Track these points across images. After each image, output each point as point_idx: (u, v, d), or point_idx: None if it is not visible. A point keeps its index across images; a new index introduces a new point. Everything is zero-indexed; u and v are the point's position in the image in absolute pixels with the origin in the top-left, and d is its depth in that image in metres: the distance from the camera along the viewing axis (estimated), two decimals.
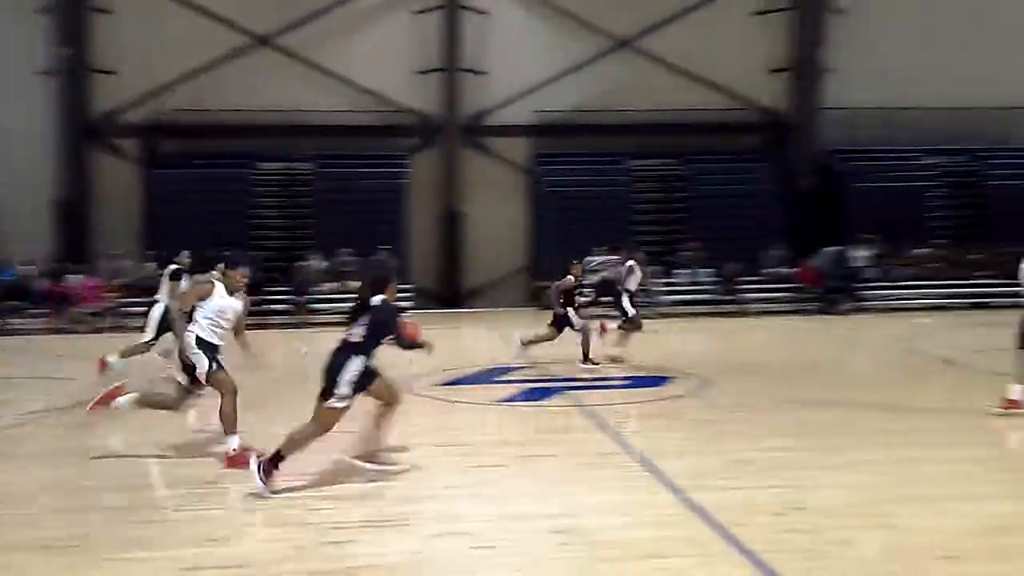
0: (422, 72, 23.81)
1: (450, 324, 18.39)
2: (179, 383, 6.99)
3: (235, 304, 6.97)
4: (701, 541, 5.09)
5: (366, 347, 6.19)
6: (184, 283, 10.34)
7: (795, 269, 21.60)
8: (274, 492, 5.91)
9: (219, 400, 6.83)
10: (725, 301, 21.47)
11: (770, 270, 22.12)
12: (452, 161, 24.14)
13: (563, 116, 23.84)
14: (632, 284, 12.96)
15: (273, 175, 23.40)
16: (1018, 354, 8.49)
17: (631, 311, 12.72)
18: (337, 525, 5.43)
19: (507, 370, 11.77)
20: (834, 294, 21.14)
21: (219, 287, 6.91)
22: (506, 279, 23.51)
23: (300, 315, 19.89)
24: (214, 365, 6.76)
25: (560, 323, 11.88)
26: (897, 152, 23.79)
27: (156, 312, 10.76)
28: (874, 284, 21.71)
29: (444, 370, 11.44)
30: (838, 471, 6.61)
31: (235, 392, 6.83)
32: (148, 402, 7.28)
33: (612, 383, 11.04)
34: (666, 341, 15.22)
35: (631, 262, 13.04)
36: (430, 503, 5.96)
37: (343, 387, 6.03)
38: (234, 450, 6.72)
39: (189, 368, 6.81)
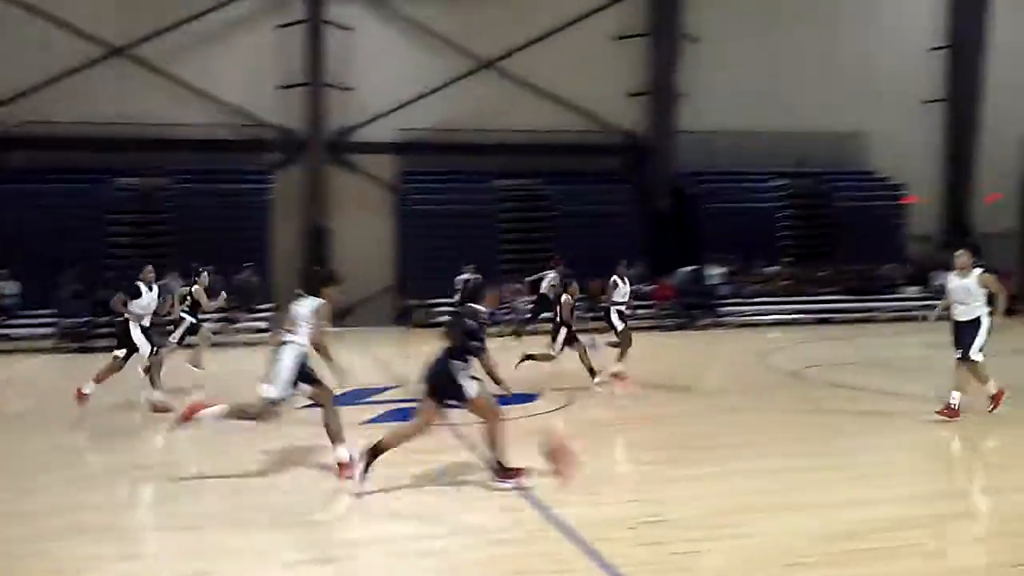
0: (285, 87, 23.46)
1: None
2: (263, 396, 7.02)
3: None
4: (565, 558, 5.17)
5: (462, 352, 6.58)
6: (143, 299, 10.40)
7: (654, 287, 22.30)
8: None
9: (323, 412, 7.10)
10: (588, 318, 21.89)
11: (634, 287, 22.70)
12: (317, 177, 23.83)
13: (429, 134, 23.95)
14: (618, 297, 12.91)
15: (130, 191, 22.49)
16: (958, 364, 9.11)
17: (619, 325, 12.71)
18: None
19: (374, 391, 11.66)
20: (691, 310, 21.99)
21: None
22: (373, 298, 23.32)
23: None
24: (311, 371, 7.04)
25: (569, 340, 12.12)
26: (748, 175, 24.99)
27: (135, 329, 10.45)
28: (728, 301, 22.67)
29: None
30: (695, 483, 6.86)
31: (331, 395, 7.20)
32: (237, 413, 7.22)
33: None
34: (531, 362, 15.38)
35: (614, 276, 13.01)
36: (293, 530, 5.85)
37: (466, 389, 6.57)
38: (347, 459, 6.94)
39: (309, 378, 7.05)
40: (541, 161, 24.52)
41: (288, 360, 6.94)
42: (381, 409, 10.38)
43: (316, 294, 7.13)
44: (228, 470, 7.33)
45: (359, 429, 9.28)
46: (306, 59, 23.49)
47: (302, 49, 23.49)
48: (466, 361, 6.61)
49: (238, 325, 19.66)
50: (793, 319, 22.40)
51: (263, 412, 7.10)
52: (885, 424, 9.41)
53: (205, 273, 13.04)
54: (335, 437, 7.12)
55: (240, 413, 7.21)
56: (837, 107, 25.00)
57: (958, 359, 9.10)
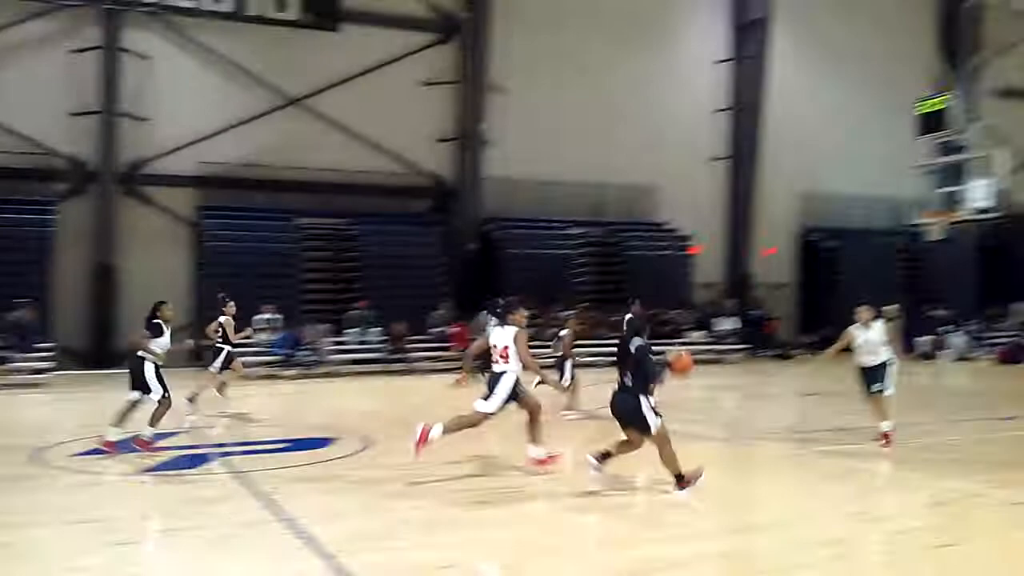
0: (76, 114, 22.18)
1: (98, 386, 16.99)
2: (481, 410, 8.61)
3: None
4: None
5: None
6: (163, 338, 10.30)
7: (453, 330, 22.57)
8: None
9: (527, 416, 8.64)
10: (393, 360, 21.92)
11: (436, 330, 22.95)
12: (107, 210, 22.57)
13: (231, 169, 23.30)
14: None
15: None
16: (871, 398, 10.52)
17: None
18: None
19: (161, 436, 11.13)
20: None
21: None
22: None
23: None
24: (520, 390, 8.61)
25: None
26: (549, 222, 25.89)
27: (150, 369, 10.13)
28: (529, 344, 23.22)
29: (86, 438, 10.58)
30: (490, 527, 6.93)
31: (540, 409, 8.77)
32: (455, 427, 8.59)
33: (272, 447, 10.82)
34: (332, 401, 15.21)
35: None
36: None
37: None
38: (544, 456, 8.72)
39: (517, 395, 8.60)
40: (348, 201, 24.40)
41: (507, 384, 8.54)
42: (165, 456, 9.89)
43: (509, 323, 8.72)
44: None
45: (138, 478, 8.87)
46: (100, 86, 22.35)
47: (96, 76, 22.35)
48: None
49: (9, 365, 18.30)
50: (588, 362, 23.20)
51: (477, 421, 8.66)
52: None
53: None
54: (535, 439, 8.83)
55: (457, 426, 8.61)
56: (631, 161, 26.46)
57: (873, 394, 10.48)
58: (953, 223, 22.17)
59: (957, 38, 26.75)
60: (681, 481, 7.77)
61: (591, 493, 8.04)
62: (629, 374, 7.83)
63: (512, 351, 8.52)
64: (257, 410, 13.74)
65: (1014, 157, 24.30)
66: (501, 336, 8.70)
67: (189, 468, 9.37)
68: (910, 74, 28.50)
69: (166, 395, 10.11)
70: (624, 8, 26.99)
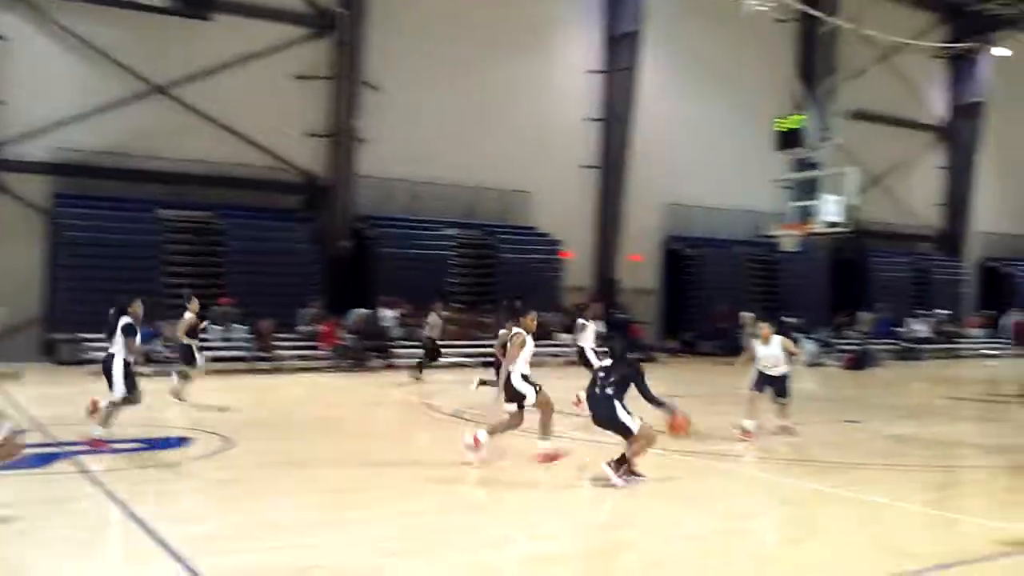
0: None
1: None
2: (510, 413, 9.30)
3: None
4: None
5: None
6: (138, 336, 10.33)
7: (323, 328, 22.33)
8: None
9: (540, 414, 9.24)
10: (260, 358, 21.48)
11: (305, 328, 22.63)
12: None
13: (91, 157, 22.30)
14: (586, 341, 14.45)
15: None
16: (777, 405, 11.60)
17: (596, 363, 13.32)
18: None
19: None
20: (366, 352, 22.27)
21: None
22: (16, 330, 21.14)
23: None
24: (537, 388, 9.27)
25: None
26: (422, 222, 25.90)
27: (118, 367, 10.08)
28: (402, 343, 23.23)
29: None
30: (351, 528, 6.92)
31: (552, 407, 9.37)
32: (499, 429, 9.32)
33: (128, 447, 10.47)
34: (192, 399, 14.78)
35: (581, 319, 14.44)
36: None
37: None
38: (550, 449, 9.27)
39: (518, 397, 9.21)
40: (215, 194, 23.75)
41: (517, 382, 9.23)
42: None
43: (519, 325, 9.42)
44: None
45: None
46: None
47: None
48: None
49: None
50: (461, 362, 23.38)
51: (518, 419, 9.35)
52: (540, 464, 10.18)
53: None
54: (545, 430, 9.39)
55: (496, 429, 9.31)
56: (505, 165, 26.80)
57: (780, 403, 11.57)
58: (806, 235, 23.38)
59: (813, 61, 28.24)
60: (621, 466, 8.28)
61: (458, 492, 8.16)
62: (608, 382, 8.35)
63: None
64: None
65: (862, 176, 25.87)
66: (508, 336, 9.60)
67: (38, 466, 8.97)
68: (770, 92, 29.92)
69: (130, 396, 10.16)
70: (500, 15, 27.28)
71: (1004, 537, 6.89)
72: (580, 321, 14.87)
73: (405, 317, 23.59)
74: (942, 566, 6.05)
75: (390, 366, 22.28)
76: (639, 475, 8.51)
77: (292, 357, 21.85)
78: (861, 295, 32.66)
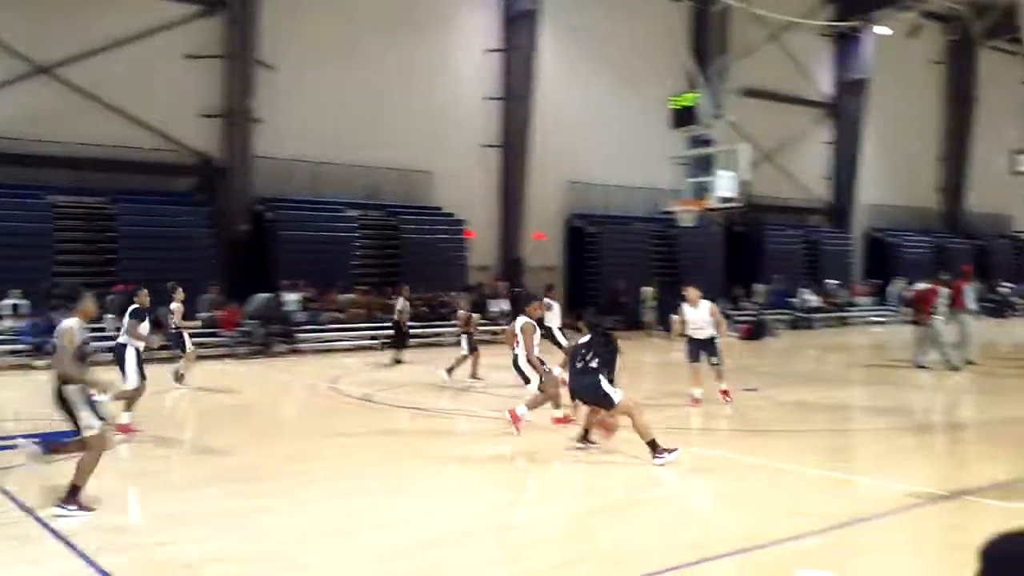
0: None
1: None
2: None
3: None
4: None
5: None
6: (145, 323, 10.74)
7: (222, 314, 21.87)
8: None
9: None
10: (160, 346, 20.85)
11: (206, 314, 22.09)
12: None
13: None
14: (554, 321, 15.38)
15: None
16: (713, 368, 12.31)
17: (564, 342, 14.65)
18: None
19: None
20: (269, 337, 21.90)
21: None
22: None
23: None
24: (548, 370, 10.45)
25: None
26: (324, 204, 25.54)
27: (131, 356, 10.56)
28: (305, 327, 22.94)
29: None
30: (256, 516, 6.86)
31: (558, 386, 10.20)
32: (538, 403, 10.10)
33: (21, 440, 10.08)
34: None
35: (547, 299, 14.94)
36: None
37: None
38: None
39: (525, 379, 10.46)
40: (107, 178, 22.92)
41: (523, 364, 10.40)
42: None
43: (524, 314, 10.64)
44: None
45: None
46: None
47: None
48: None
49: None
50: (366, 344, 23.26)
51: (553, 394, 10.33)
52: (452, 442, 10.25)
53: None
54: (554, 403, 10.43)
55: (535, 403, 10.02)
56: (407, 145, 26.61)
57: (714, 365, 12.29)
58: (702, 211, 23.98)
59: (706, 40, 28.84)
60: (656, 449, 8.35)
61: (369, 476, 8.17)
62: (591, 356, 8.58)
63: (520, 338, 10.42)
64: (7, 402, 12.76)
65: (754, 152, 26.64)
66: (516, 324, 10.63)
67: None
68: (666, 70, 30.48)
69: (142, 384, 10.58)
70: None
71: (896, 495, 7.30)
72: (547, 301, 15.24)
73: (308, 301, 23.30)
74: (841, 525, 6.37)
75: (294, 351, 22.00)
76: (592, 442, 9.00)
77: (191, 344, 21.29)
78: (756, 267, 33.75)
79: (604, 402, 8.60)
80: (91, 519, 6.56)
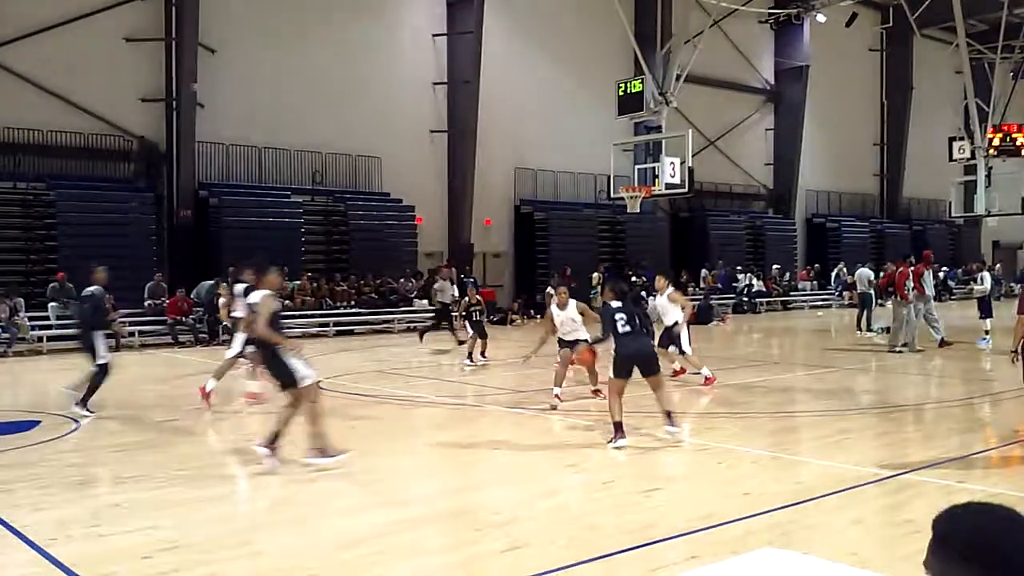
0: None
1: None
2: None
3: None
4: None
5: None
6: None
7: (167, 301, 21.54)
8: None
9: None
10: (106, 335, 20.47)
11: (149, 302, 21.75)
12: None
13: None
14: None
15: None
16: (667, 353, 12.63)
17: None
18: None
19: None
20: (215, 327, 21.58)
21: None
22: None
23: None
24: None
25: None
26: (268, 189, 25.23)
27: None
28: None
29: None
30: (208, 504, 6.84)
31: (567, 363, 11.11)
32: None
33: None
34: (34, 380, 14.07)
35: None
36: None
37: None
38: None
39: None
40: (43, 163, 22.36)
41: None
42: None
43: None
44: None
45: None
46: None
47: None
48: None
49: None
50: (316, 332, 23.09)
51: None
52: (407, 430, 10.27)
53: None
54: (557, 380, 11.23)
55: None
56: (354, 131, 26.37)
57: (674, 351, 12.70)
58: (649, 197, 24.20)
59: (651, 26, 28.98)
60: (670, 418, 8.82)
61: (320, 463, 8.16)
62: (636, 320, 8.80)
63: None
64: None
65: (699, 138, 26.91)
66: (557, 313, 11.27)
67: None
68: (612, 56, 30.68)
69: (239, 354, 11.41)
70: None
71: (838, 475, 7.52)
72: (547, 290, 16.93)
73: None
74: (787, 505, 6.55)
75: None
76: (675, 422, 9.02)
77: (135, 333, 21.00)
78: (701, 253, 34.21)
79: (656, 365, 8.93)
80: (43, 512, 6.45)
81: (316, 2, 26.15)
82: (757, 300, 32.64)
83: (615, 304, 8.78)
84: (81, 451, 9.07)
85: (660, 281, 12.98)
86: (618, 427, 8.57)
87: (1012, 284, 37.60)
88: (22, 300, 20.18)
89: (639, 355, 8.71)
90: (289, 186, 25.64)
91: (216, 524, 6.30)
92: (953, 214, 33.42)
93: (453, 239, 29.11)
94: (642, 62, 24.11)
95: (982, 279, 19.65)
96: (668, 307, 12.73)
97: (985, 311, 19.05)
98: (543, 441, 9.20)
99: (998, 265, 40.94)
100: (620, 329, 8.66)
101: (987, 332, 18.62)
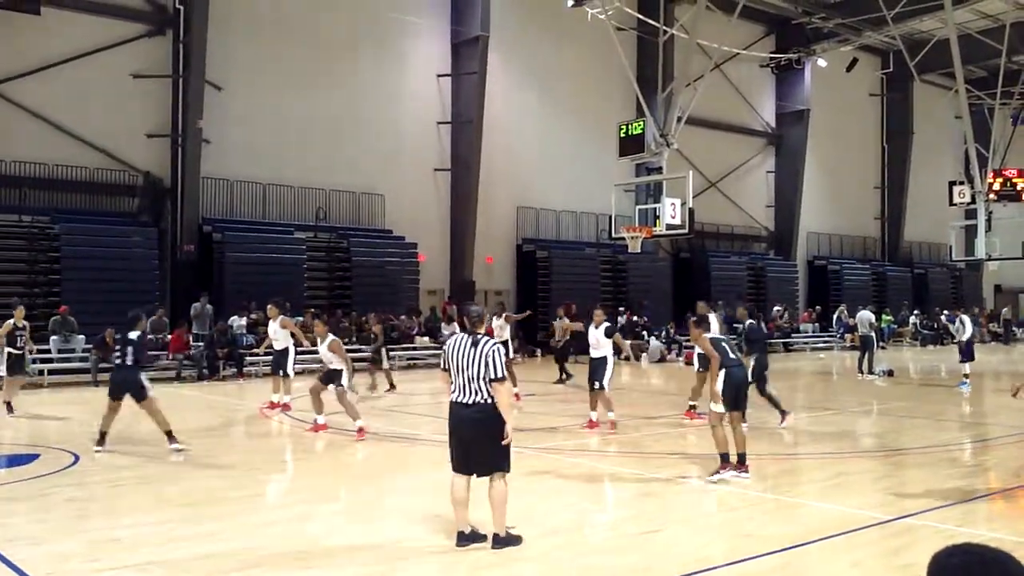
0: None
1: None
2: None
3: None
4: None
5: None
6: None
7: (170, 335, 21.57)
8: None
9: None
10: (100, 370, 20.48)
11: (150, 336, 21.75)
12: None
13: None
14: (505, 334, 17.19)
15: None
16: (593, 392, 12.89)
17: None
18: None
19: None
20: (216, 361, 21.62)
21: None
22: None
23: None
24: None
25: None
26: (272, 225, 25.36)
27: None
28: (253, 351, 22.66)
29: None
30: (208, 539, 6.82)
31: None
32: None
33: None
34: (36, 414, 14.06)
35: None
36: None
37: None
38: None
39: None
40: (48, 197, 22.53)
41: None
42: None
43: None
44: None
45: None
46: None
47: None
48: None
49: None
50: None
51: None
52: (413, 466, 10.25)
53: None
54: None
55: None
56: (358, 168, 26.62)
57: (594, 388, 12.56)
58: (650, 237, 24.30)
59: (652, 69, 29.31)
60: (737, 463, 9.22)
61: (320, 499, 8.14)
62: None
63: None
64: None
65: (700, 180, 27.07)
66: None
67: None
68: (614, 98, 30.97)
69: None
70: (348, 17, 27.12)
71: (838, 518, 7.50)
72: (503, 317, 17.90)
73: (257, 324, 23.05)
74: (787, 548, 6.54)
75: (242, 375, 21.74)
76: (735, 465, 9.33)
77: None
78: (702, 294, 34.17)
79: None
80: (41, 547, 6.44)
81: (323, 41, 26.49)
82: None
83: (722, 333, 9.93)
84: (80, 485, 9.04)
85: (599, 314, 12.90)
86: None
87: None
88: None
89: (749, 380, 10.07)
90: (293, 222, 25.80)
91: (215, 559, 6.28)
92: (954, 258, 33.51)
93: (455, 276, 29.20)
94: (643, 104, 24.30)
95: (962, 323, 19.40)
96: (603, 339, 12.68)
97: (966, 355, 18.91)
98: (538, 479, 9.19)
99: (1005, 308, 41.01)
100: (732, 355, 10.01)
101: (966, 376, 18.56)
